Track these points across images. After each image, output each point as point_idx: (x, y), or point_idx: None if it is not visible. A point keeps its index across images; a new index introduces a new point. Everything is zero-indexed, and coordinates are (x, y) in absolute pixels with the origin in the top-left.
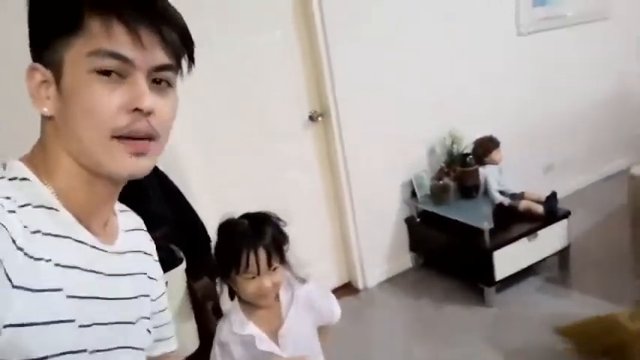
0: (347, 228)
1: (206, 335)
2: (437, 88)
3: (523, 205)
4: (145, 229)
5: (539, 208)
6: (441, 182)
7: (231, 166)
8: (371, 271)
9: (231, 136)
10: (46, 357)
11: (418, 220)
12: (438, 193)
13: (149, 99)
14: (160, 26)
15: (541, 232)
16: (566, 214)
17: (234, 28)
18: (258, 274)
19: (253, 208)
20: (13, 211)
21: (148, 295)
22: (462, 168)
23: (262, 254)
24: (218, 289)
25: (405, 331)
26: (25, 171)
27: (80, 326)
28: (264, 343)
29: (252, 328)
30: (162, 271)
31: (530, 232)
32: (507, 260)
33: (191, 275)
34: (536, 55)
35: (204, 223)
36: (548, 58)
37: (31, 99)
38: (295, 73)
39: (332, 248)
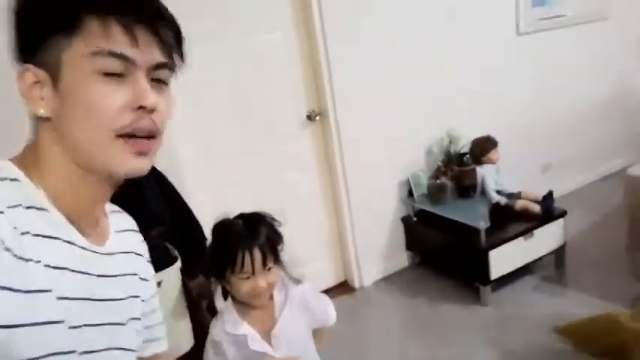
0: (344, 226)
1: (201, 334)
2: (435, 88)
3: (520, 204)
4: (137, 229)
5: (536, 208)
6: (438, 181)
7: (227, 165)
8: (367, 270)
9: (228, 134)
10: (36, 358)
11: (415, 219)
12: (435, 193)
13: (152, 96)
14: (157, 26)
15: (537, 232)
16: (562, 214)
17: (233, 28)
18: (253, 274)
19: (250, 207)
20: (2, 212)
21: (138, 296)
22: (460, 167)
23: (257, 254)
24: (213, 287)
25: (401, 330)
26: (15, 172)
27: (70, 327)
28: (257, 343)
29: (245, 328)
30: (153, 272)
31: (527, 232)
32: (503, 259)
33: (186, 274)
34: (536, 55)
35: (200, 221)
36: (547, 58)
37: (24, 100)
38: (293, 72)
39: (328, 246)
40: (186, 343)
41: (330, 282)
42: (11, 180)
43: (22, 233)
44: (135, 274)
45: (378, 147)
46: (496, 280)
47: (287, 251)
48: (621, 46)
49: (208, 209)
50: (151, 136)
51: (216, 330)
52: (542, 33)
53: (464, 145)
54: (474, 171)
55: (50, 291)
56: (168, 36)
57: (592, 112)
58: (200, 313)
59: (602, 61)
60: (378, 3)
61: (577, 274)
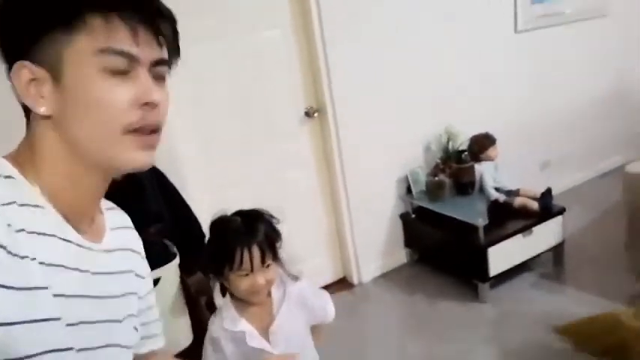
0: (342, 223)
1: (200, 330)
2: (434, 85)
3: (518, 201)
4: (132, 226)
5: (535, 205)
6: (436, 179)
7: (227, 163)
8: (366, 267)
9: (227, 132)
10: (33, 355)
11: (413, 216)
12: (433, 190)
13: (157, 93)
14: (157, 23)
15: (536, 229)
16: (561, 211)
17: (232, 27)
18: (252, 271)
19: (249, 204)
20: None
21: (135, 293)
22: (458, 164)
23: (256, 252)
24: (211, 284)
25: (399, 327)
26: (9, 169)
27: (67, 325)
28: (255, 340)
29: (243, 325)
30: (149, 269)
31: (525, 229)
32: (501, 256)
33: (184, 270)
34: (534, 53)
35: (199, 218)
36: (546, 56)
37: (24, 99)
38: (292, 69)
39: (327, 243)
40: (185, 339)
41: (329, 278)
42: (5, 177)
43: (17, 231)
44: (131, 271)
45: (376, 144)
46: (494, 277)
47: (286, 248)
48: (620, 44)
49: (207, 206)
50: (155, 130)
51: (215, 327)
52: (541, 30)
53: (462, 142)
54: (472, 168)
55: (46, 288)
56: (167, 32)
57: (591, 109)
58: (199, 309)
59: (601, 59)
60: None
61: (576, 271)
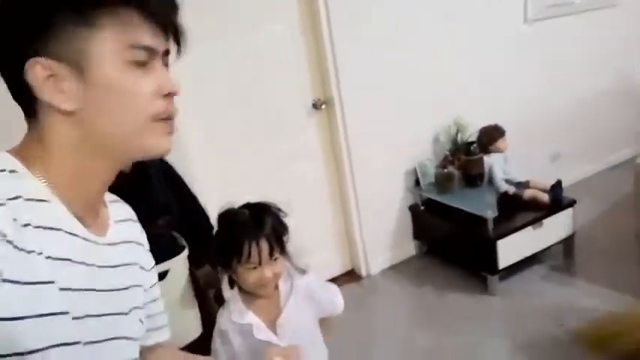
0: (350, 215)
1: (208, 323)
2: (442, 76)
3: (528, 193)
4: (136, 219)
5: (545, 197)
6: (445, 170)
7: (234, 155)
8: (374, 259)
9: (235, 125)
10: (40, 350)
11: (422, 208)
12: (442, 182)
13: (176, 83)
14: (170, 15)
15: (546, 221)
16: (571, 203)
17: (238, 19)
18: (260, 264)
19: (256, 196)
20: (2, 204)
21: (140, 286)
22: (467, 156)
23: (264, 245)
24: (220, 276)
25: (408, 319)
26: (13, 163)
27: (73, 318)
28: (262, 332)
29: (250, 317)
30: (153, 262)
31: (535, 221)
32: (511, 249)
33: (193, 263)
34: (544, 43)
35: (207, 211)
36: (556, 46)
37: (44, 96)
38: (299, 61)
39: (335, 235)
40: (195, 331)
41: (337, 271)
42: (10, 172)
43: (23, 225)
44: (136, 264)
45: (384, 135)
46: (504, 270)
47: (294, 241)
48: (630, 33)
49: (215, 198)
50: (172, 117)
51: (223, 319)
52: (551, 20)
53: (471, 134)
54: (481, 160)
55: (53, 282)
56: (178, 22)
57: (600, 101)
58: (207, 302)
59: (612, 49)
60: None
61: (586, 263)
